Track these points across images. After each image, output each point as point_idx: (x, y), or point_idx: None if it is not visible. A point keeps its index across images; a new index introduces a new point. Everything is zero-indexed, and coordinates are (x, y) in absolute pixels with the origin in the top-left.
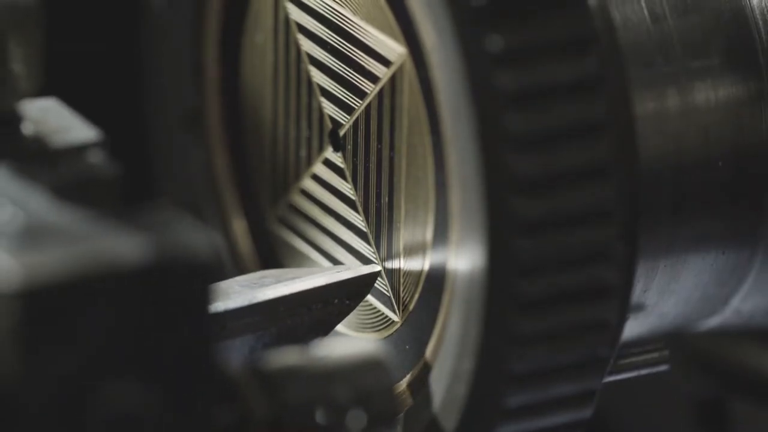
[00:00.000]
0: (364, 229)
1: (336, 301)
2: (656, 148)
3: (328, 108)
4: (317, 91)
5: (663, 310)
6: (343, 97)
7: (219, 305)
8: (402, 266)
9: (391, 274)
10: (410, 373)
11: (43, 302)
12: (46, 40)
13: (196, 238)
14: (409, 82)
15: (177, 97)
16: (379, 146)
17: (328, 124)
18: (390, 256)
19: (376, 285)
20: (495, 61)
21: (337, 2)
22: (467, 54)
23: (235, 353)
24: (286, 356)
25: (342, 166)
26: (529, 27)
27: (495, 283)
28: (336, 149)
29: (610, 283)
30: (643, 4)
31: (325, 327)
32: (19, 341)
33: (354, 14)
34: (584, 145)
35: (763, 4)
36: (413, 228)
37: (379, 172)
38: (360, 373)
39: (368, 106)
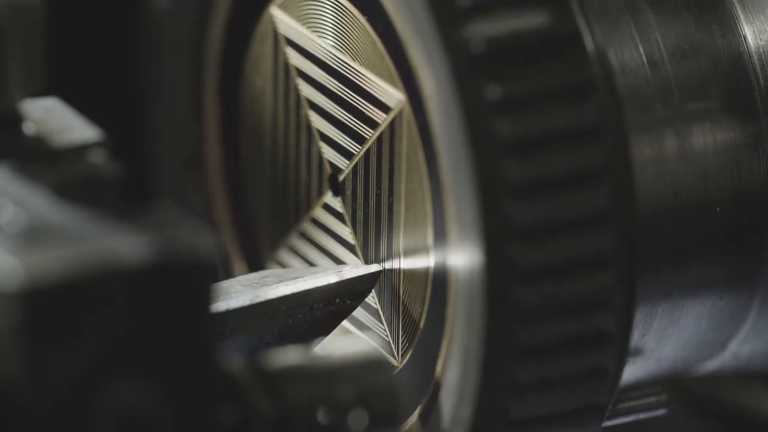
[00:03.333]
0: None
1: (338, 300)
2: (654, 194)
3: (328, 153)
4: (317, 136)
5: (661, 354)
6: (342, 143)
7: (221, 305)
8: (401, 312)
9: (391, 319)
10: (408, 418)
11: (45, 302)
12: (46, 40)
13: (197, 237)
14: (408, 128)
15: (177, 141)
16: (378, 192)
17: (328, 169)
18: (389, 302)
19: (375, 330)
20: (493, 108)
21: (336, 48)
22: (465, 101)
23: (236, 353)
24: (288, 356)
25: (341, 210)
26: (528, 75)
27: (494, 331)
28: (335, 194)
29: (609, 330)
30: (642, 51)
31: (326, 327)
32: (21, 341)
33: (353, 60)
34: (583, 192)
35: (761, 50)
36: (412, 274)
37: (378, 217)
38: (362, 373)
39: (367, 152)
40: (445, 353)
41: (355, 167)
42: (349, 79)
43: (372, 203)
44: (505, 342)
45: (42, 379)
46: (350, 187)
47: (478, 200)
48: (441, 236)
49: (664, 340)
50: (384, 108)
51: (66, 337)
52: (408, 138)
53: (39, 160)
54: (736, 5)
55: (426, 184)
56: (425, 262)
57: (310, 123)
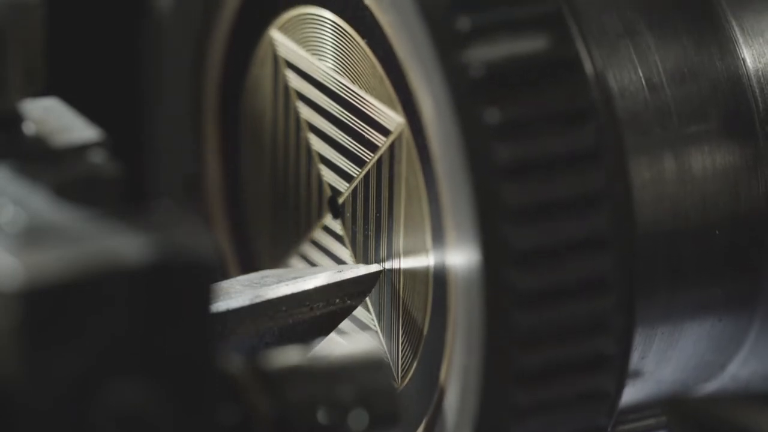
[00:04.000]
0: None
1: (338, 300)
2: (653, 217)
3: (328, 175)
4: (316, 159)
5: (661, 376)
6: (342, 165)
7: (221, 305)
8: (401, 334)
9: (390, 341)
10: None
11: (45, 302)
12: (47, 40)
13: (197, 238)
14: (408, 151)
15: (177, 161)
16: (378, 214)
17: (327, 192)
18: (389, 324)
19: None
20: (492, 133)
21: (336, 71)
22: (465, 125)
23: (236, 353)
24: (288, 356)
25: (341, 233)
26: (527, 99)
27: (493, 355)
28: (335, 216)
29: (608, 353)
30: (641, 74)
31: (326, 327)
32: (21, 341)
33: (353, 83)
34: (582, 216)
35: (760, 73)
36: (412, 296)
37: (378, 239)
38: (362, 373)
39: (367, 175)
40: (445, 376)
41: (354, 190)
42: (349, 102)
43: (372, 226)
44: (505, 366)
45: (42, 379)
46: (350, 210)
47: (478, 224)
48: (440, 259)
49: (663, 362)
50: (384, 131)
51: (66, 337)
52: (407, 161)
53: (39, 160)
54: (735, 28)
55: (425, 207)
56: (424, 284)
57: (309, 145)
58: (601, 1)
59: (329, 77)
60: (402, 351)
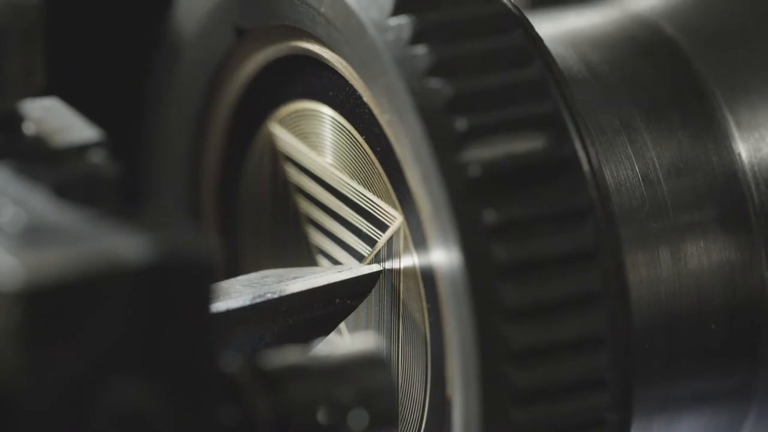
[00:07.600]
0: None
1: (338, 300)
2: (650, 312)
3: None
4: (315, 252)
5: None
6: (341, 259)
7: (221, 305)
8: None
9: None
10: None
11: (45, 302)
12: (47, 40)
13: (197, 238)
14: (405, 248)
15: None
16: (377, 309)
17: None
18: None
19: None
20: (490, 233)
21: (335, 166)
22: (462, 225)
23: (236, 352)
24: (288, 356)
25: (341, 326)
26: (524, 199)
27: None
28: None
29: None
30: (637, 169)
31: (326, 327)
32: (21, 341)
33: (352, 179)
34: (580, 316)
35: (756, 168)
36: (408, 392)
37: (377, 332)
38: (362, 373)
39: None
40: None
41: None
42: (348, 197)
43: (371, 320)
44: None
45: (42, 379)
46: None
47: (475, 323)
48: (439, 356)
49: None
50: (382, 227)
51: (66, 337)
52: (405, 257)
53: (39, 160)
54: (731, 123)
55: (423, 303)
56: (422, 382)
57: (308, 239)
58: (598, 98)
59: (328, 172)
60: None
